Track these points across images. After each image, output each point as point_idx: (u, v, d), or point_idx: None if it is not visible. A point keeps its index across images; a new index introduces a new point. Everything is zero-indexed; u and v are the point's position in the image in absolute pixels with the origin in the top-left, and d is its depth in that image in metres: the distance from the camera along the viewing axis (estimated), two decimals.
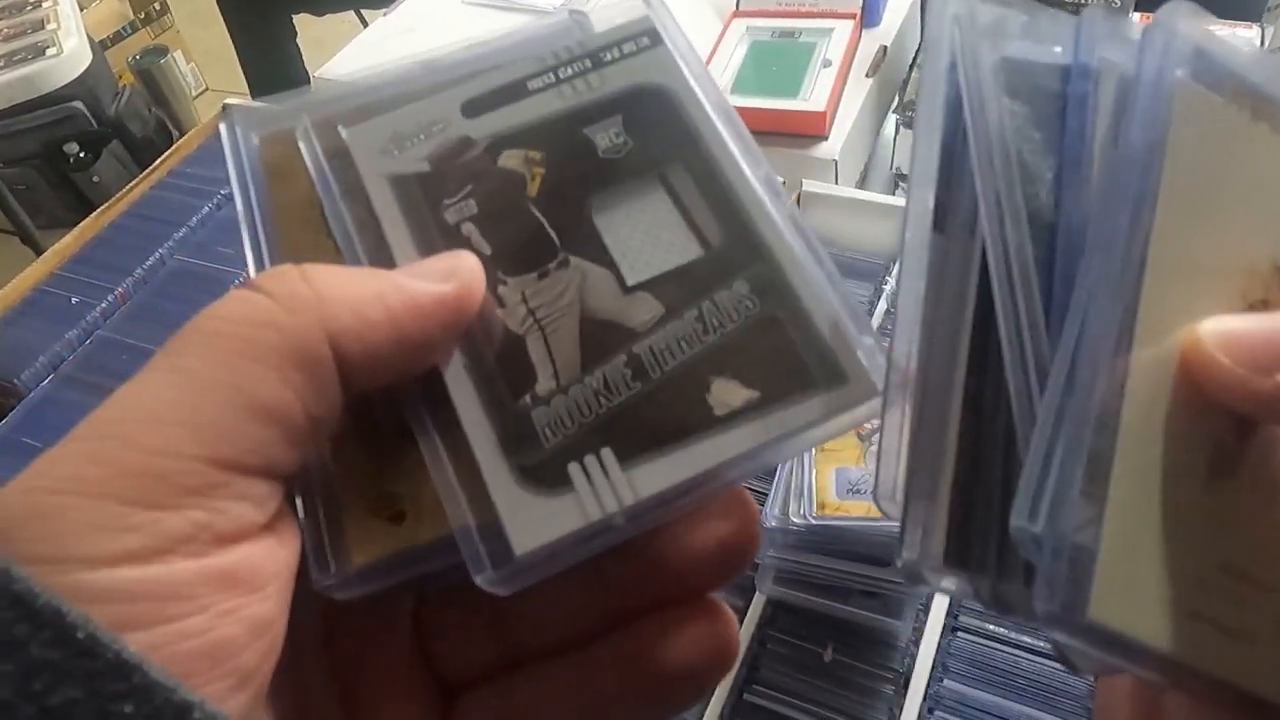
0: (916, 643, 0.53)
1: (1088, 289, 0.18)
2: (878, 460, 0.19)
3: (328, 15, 1.84)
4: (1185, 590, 0.17)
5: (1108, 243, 0.18)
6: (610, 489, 0.20)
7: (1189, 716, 0.20)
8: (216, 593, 0.17)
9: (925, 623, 0.54)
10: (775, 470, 0.54)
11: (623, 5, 0.25)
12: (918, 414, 0.19)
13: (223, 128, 0.24)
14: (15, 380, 0.72)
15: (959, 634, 0.54)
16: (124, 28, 2.08)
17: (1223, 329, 0.18)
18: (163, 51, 2.03)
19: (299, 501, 0.20)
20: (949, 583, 0.19)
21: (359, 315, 0.19)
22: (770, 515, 0.51)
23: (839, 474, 0.50)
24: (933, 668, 0.53)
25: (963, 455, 0.19)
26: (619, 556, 0.20)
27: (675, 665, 0.20)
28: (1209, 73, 0.19)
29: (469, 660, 0.22)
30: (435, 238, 0.22)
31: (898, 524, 0.19)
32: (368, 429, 0.21)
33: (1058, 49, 0.21)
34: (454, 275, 0.20)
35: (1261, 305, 0.20)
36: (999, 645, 0.54)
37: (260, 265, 0.22)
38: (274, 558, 0.18)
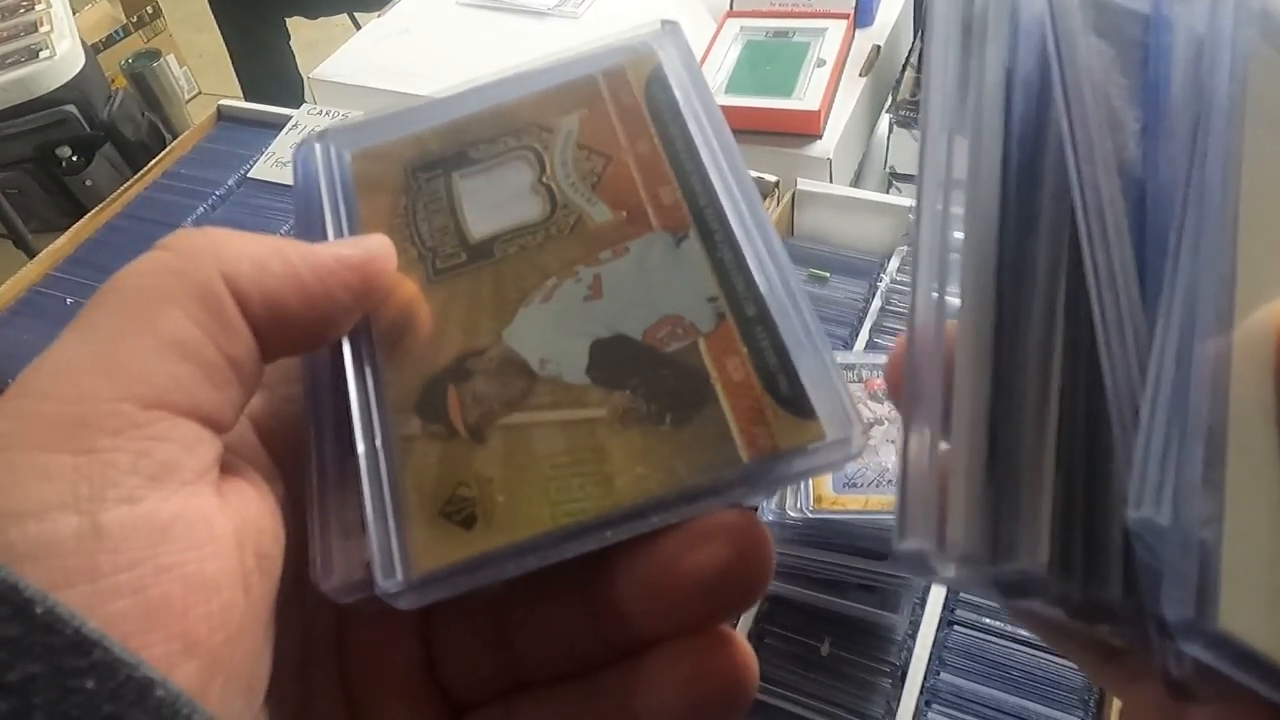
0: (913, 636, 0.54)
1: (1185, 255, 0.16)
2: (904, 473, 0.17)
3: (321, 18, 1.84)
4: None
5: (1201, 207, 0.16)
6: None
7: None
8: (150, 545, 0.16)
9: (922, 616, 0.54)
10: None
11: (636, 28, 0.26)
12: (993, 390, 0.16)
13: (317, 145, 0.25)
14: (9, 381, 0.72)
15: (955, 628, 0.54)
16: (116, 31, 2.08)
17: None
18: (155, 55, 2.02)
19: (367, 502, 0.20)
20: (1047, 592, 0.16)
21: (255, 263, 0.19)
22: (767, 509, 0.52)
23: None
24: (929, 661, 0.53)
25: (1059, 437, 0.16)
26: (615, 583, 0.20)
27: (676, 704, 0.19)
28: (1274, 34, 0.18)
29: (475, 678, 0.22)
30: None
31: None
32: (439, 429, 0.21)
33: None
34: (360, 244, 0.21)
35: None
36: (995, 639, 0.54)
37: None
38: (217, 517, 0.18)
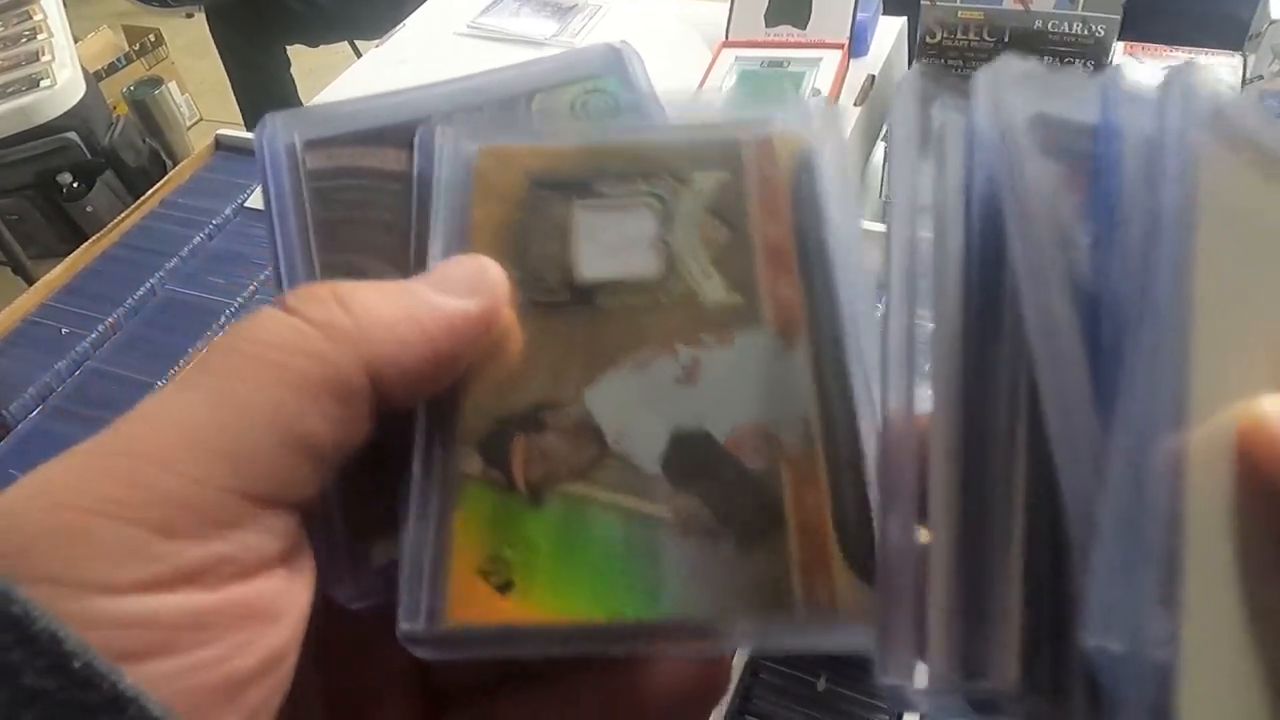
0: None
1: (1137, 369, 0.16)
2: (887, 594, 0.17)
3: (321, 46, 1.86)
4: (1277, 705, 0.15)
5: (1152, 317, 0.16)
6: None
7: None
8: (232, 625, 0.17)
9: None
10: None
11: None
12: (961, 520, 0.17)
13: (438, 131, 0.23)
14: (4, 412, 0.72)
15: None
16: (118, 59, 2.10)
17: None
18: (157, 82, 2.04)
19: (410, 530, 0.19)
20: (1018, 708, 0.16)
21: (397, 340, 0.19)
22: None
23: None
24: None
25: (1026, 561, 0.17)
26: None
27: (662, 696, 0.20)
28: (1227, 134, 0.18)
29: (461, 675, 0.22)
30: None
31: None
32: (498, 477, 0.20)
33: (1081, 107, 0.19)
34: (480, 289, 0.20)
35: None
36: None
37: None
38: (290, 591, 0.18)
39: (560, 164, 0.23)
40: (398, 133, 0.24)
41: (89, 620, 0.15)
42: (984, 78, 0.19)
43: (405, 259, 0.23)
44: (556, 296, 0.22)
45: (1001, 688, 0.16)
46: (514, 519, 0.20)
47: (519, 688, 0.21)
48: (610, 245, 0.22)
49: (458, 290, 0.20)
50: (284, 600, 0.18)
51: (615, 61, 0.25)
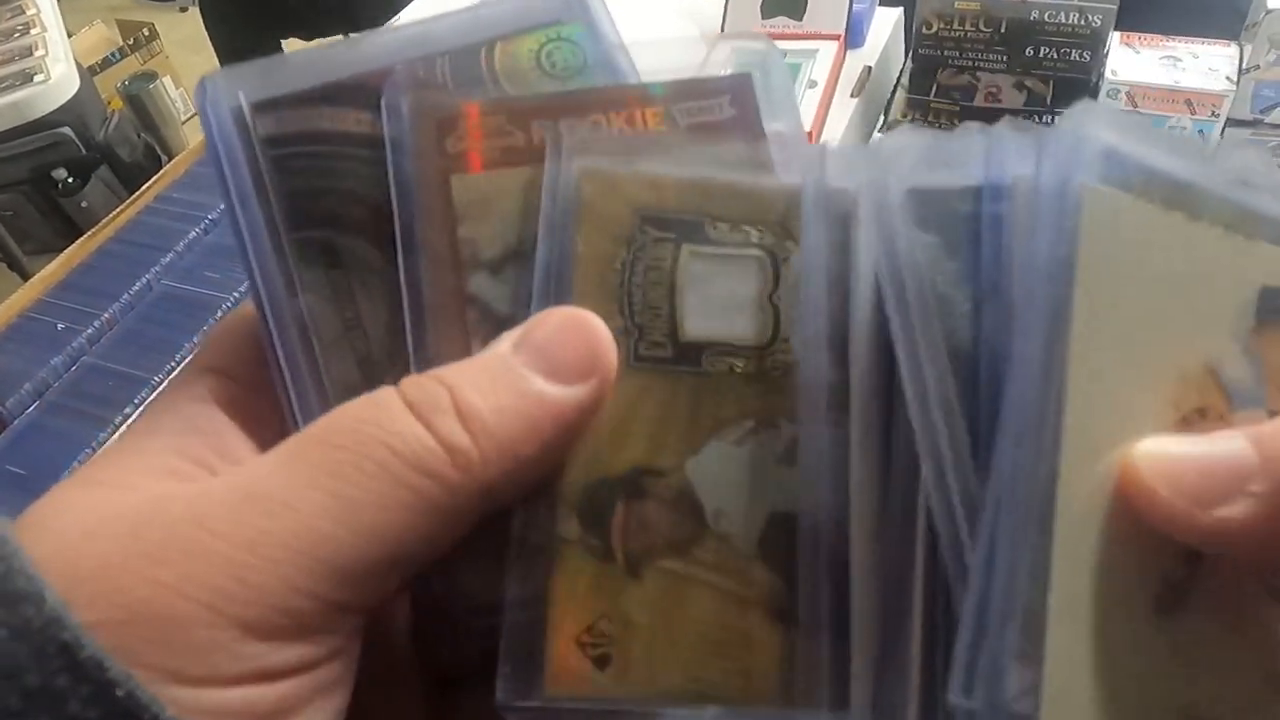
0: None
1: (1008, 426, 0.17)
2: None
3: (317, 39, 1.85)
4: None
5: (1023, 372, 0.17)
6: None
7: None
8: (295, 710, 0.17)
9: None
10: None
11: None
12: (864, 594, 0.19)
13: (550, 137, 0.22)
14: (1, 407, 0.72)
15: None
16: (112, 54, 2.09)
17: (1158, 455, 0.17)
18: (151, 77, 2.03)
19: (505, 608, 0.19)
20: None
21: (515, 458, 0.18)
22: None
23: None
24: None
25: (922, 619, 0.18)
26: None
27: None
28: (1119, 171, 0.18)
29: (467, 656, 0.22)
30: None
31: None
32: (597, 545, 0.20)
33: (967, 171, 0.20)
34: (595, 370, 0.19)
35: (1197, 415, 0.18)
36: None
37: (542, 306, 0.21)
38: (347, 668, 0.19)
39: (669, 197, 0.21)
40: (353, 90, 0.22)
41: (173, 706, 0.15)
42: (867, 157, 0.20)
43: (382, 234, 0.21)
44: (661, 352, 0.21)
45: None
46: (614, 591, 0.20)
47: None
48: (718, 301, 0.21)
49: (569, 376, 0.19)
50: (342, 681, 0.18)
51: (578, 7, 0.24)
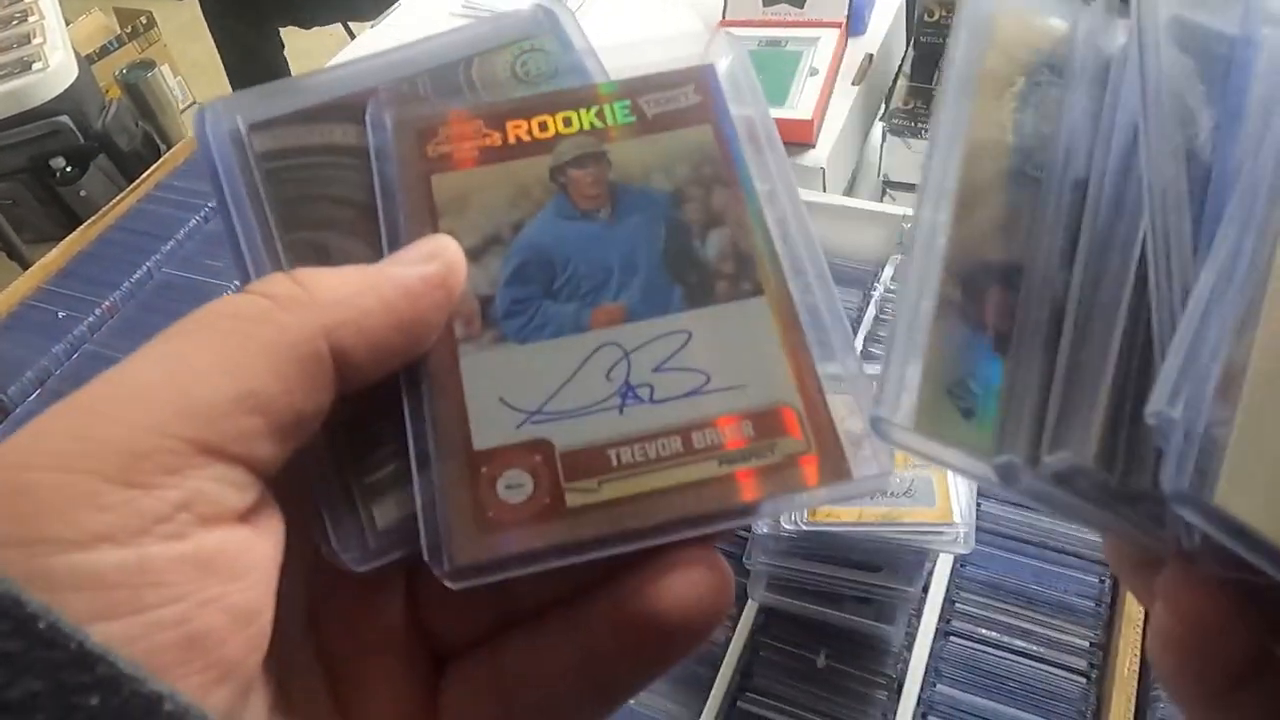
0: (909, 648, 0.53)
1: (1234, 218, 0.19)
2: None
3: (315, 28, 1.85)
4: None
5: (1254, 179, 0.19)
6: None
7: None
8: (194, 580, 0.17)
9: (918, 628, 0.54)
10: None
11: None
12: (1075, 323, 0.21)
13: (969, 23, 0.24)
14: (2, 395, 0.72)
15: (952, 639, 0.54)
16: (110, 42, 2.08)
17: None
18: (150, 65, 2.02)
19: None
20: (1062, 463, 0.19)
21: (355, 307, 0.19)
22: (761, 522, 0.51)
23: None
24: (926, 673, 0.53)
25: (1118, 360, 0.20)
26: None
27: (671, 613, 0.20)
28: None
29: (465, 625, 0.22)
30: None
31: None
32: (967, 317, 0.21)
33: (1222, 20, 0.22)
34: (437, 256, 0.21)
35: None
36: (992, 650, 0.54)
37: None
38: (255, 547, 0.18)
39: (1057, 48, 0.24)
40: (342, 108, 0.24)
41: (48, 579, 0.15)
42: None
43: (368, 232, 0.23)
44: (1039, 174, 0.23)
45: (1079, 461, 0.19)
46: (976, 356, 0.21)
47: (526, 630, 0.21)
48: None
49: (413, 260, 0.21)
50: (248, 557, 0.18)
51: (548, 21, 0.26)
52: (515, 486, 0.20)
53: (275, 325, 0.19)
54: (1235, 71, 0.22)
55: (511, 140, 0.24)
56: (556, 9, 0.26)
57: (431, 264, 0.21)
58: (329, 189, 0.24)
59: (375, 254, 0.23)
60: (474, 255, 0.23)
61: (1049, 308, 0.21)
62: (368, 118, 0.24)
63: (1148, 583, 0.21)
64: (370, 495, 0.21)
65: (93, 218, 0.86)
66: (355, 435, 0.21)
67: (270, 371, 0.18)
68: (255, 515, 0.19)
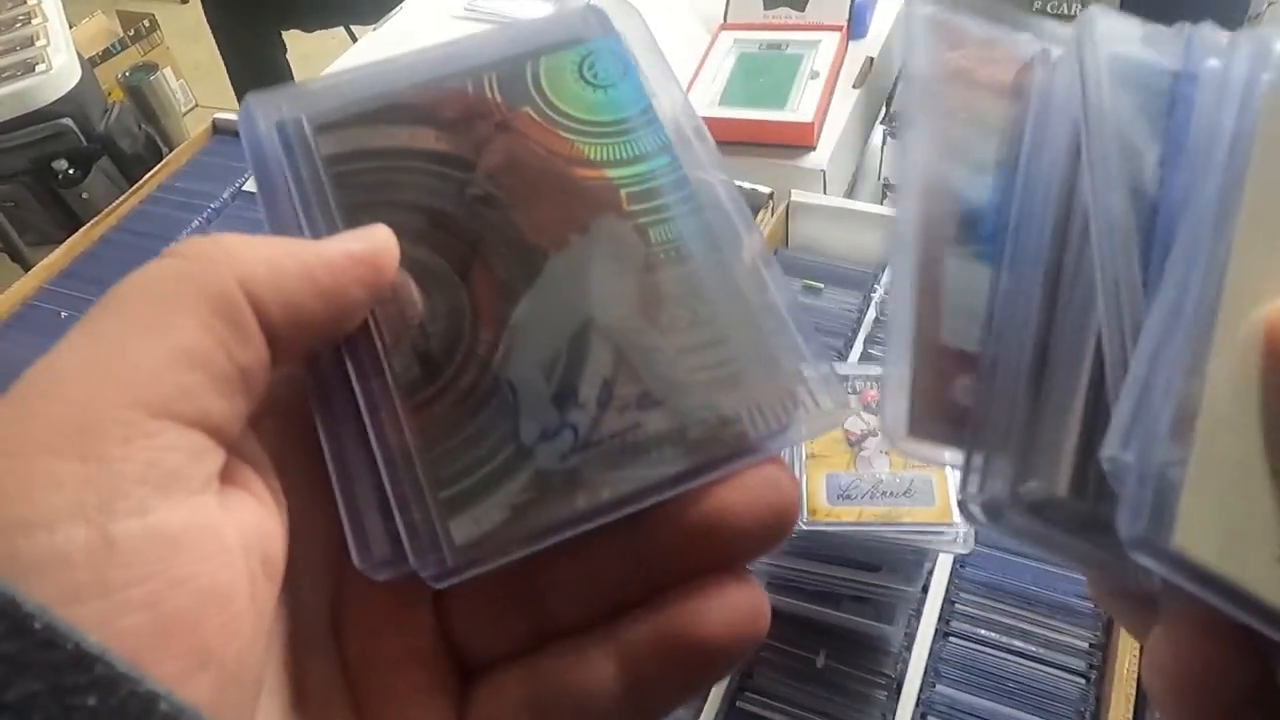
0: (909, 648, 0.53)
1: (1182, 253, 0.19)
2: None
3: (317, 31, 1.85)
4: (1275, 532, 0.17)
5: (1200, 213, 0.19)
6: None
7: None
8: (161, 559, 0.16)
9: (917, 628, 0.54)
10: None
11: None
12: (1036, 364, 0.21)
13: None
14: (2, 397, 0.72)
15: (951, 639, 0.54)
16: (113, 45, 2.09)
17: None
18: (152, 68, 2.03)
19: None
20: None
21: (271, 266, 0.19)
22: None
23: (829, 479, 0.51)
24: (925, 673, 0.53)
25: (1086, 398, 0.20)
26: (657, 523, 0.20)
27: (711, 634, 0.20)
28: None
29: (495, 638, 0.22)
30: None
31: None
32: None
33: (1163, 55, 0.22)
34: (366, 237, 0.21)
35: None
36: (991, 650, 0.54)
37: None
38: (224, 527, 0.18)
39: None
40: (410, 109, 0.24)
41: (11, 566, 0.15)
42: (1076, 24, 0.23)
43: (437, 241, 0.22)
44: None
45: (1052, 490, 0.19)
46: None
47: (562, 645, 0.21)
48: None
49: (342, 239, 0.21)
50: (219, 537, 0.17)
51: (601, 22, 0.25)
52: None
53: (192, 281, 0.18)
54: (1179, 106, 0.22)
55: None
56: (612, 8, 0.25)
57: (358, 243, 0.21)
58: (397, 194, 0.23)
59: (444, 263, 0.22)
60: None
61: (1018, 340, 0.21)
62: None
63: (1136, 614, 0.21)
64: (450, 507, 0.20)
65: (94, 219, 0.87)
66: (428, 449, 0.21)
67: (198, 326, 0.18)
68: (225, 492, 0.18)
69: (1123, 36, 0.23)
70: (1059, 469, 0.19)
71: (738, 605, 0.20)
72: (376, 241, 0.21)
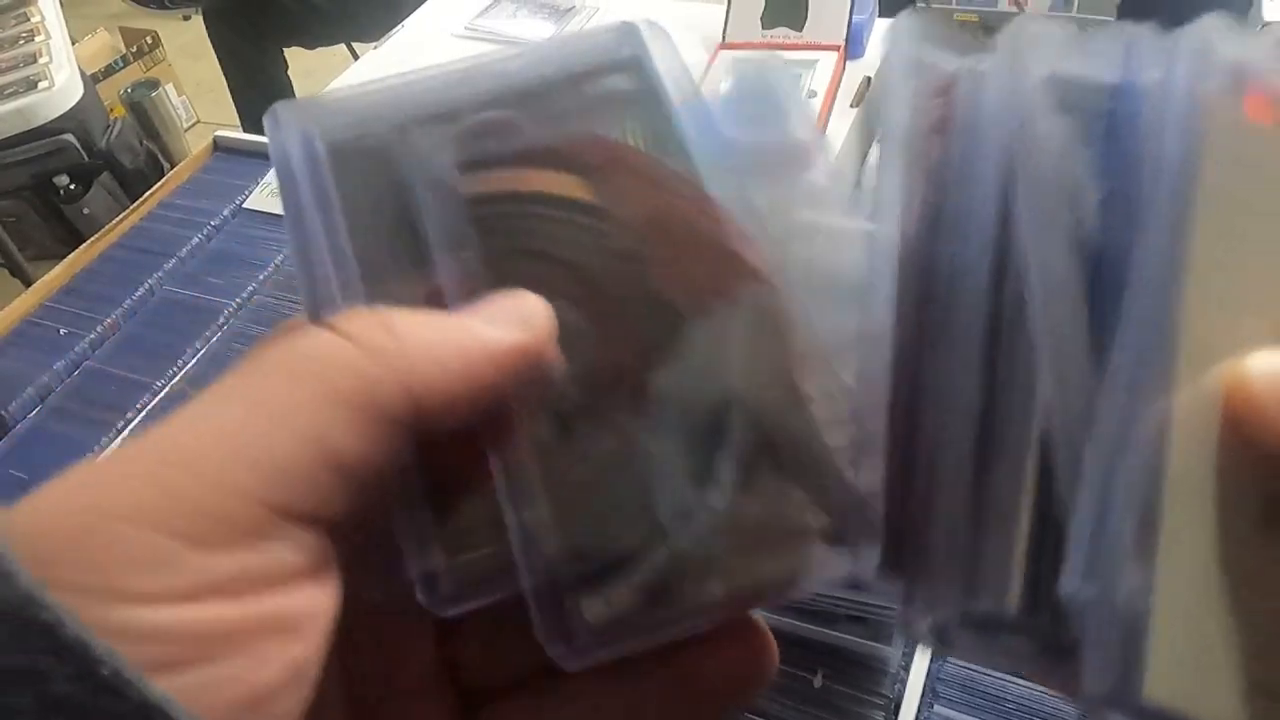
0: (906, 668, 0.53)
1: (1129, 325, 0.17)
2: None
3: (319, 48, 1.86)
4: (1248, 659, 0.16)
5: (1144, 276, 0.17)
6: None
7: None
8: (257, 638, 0.17)
9: (915, 648, 0.54)
10: None
11: None
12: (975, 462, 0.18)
13: None
14: (3, 412, 0.72)
15: (949, 660, 0.54)
16: (115, 61, 2.10)
17: (1269, 368, 0.16)
18: (154, 85, 2.04)
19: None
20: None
21: (440, 367, 0.19)
22: None
23: None
24: (923, 693, 0.53)
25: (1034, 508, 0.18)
26: None
27: (723, 683, 0.20)
28: (1246, 83, 0.18)
29: (500, 670, 0.22)
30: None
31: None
32: None
33: (1100, 67, 0.20)
34: (528, 324, 0.20)
35: None
36: (989, 671, 0.54)
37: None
38: (316, 605, 0.18)
39: None
40: (552, 155, 0.22)
41: (117, 630, 0.15)
42: (1002, 37, 0.20)
43: (575, 294, 0.21)
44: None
45: (999, 608, 0.17)
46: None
47: (570, 681, 0.21)
48: None
49: (500, 322, 0.20)
50: (309, 614, 0.18)
51: (635, 42, 0.24)
52: None
53: (360, 378, 0.18)
54: (1119, 127, 0.19)
55: None
56: (644, 28, 0.24)
57: (525, 332, 0.20)
58: (538, 244, 0.22)
59: (579, 318, 0.21)
60: None
61: (955, 436, 0.18)
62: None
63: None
64: (581, 586, 0.20)
65: (95, 235, 0.87)
66: (562, 520, 0.20)
67: (351, 428, 0.17)
68: (319, 572, 0.18)
69: (1058, 47, 0.20)
70: (1008, 584, 0.17)
71: (746, 650, 0.20)
72: (540, 332, 0.20)
